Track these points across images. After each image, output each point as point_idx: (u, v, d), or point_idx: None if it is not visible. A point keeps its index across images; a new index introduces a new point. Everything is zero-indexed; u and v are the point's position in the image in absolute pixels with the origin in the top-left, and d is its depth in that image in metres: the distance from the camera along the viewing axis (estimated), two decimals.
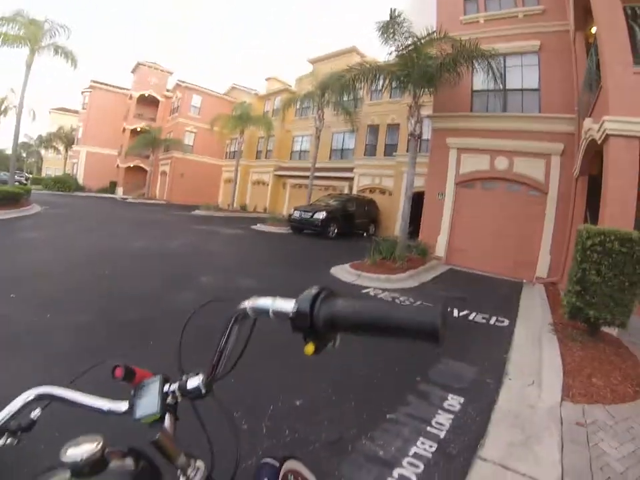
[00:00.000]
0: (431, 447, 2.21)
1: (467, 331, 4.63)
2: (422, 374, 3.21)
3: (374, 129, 19.17)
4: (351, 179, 19.03)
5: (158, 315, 4.06)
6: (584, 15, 7.45)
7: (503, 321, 5.11)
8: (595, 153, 6.17)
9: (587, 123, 6.20)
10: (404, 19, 8.83)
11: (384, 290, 6.40)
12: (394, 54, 9.63)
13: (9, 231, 8.82)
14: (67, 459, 0.52)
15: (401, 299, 5.92)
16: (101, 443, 0.54)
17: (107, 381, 0.65)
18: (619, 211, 4.81)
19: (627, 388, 3.21)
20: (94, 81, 31.74)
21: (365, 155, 19.21)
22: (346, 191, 19.12)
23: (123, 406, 0.67)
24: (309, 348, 0.56)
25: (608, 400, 2.97)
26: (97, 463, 0.53)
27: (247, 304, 0.66)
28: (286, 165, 24.30)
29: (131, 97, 31.29)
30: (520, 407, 2.78)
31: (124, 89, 32.80)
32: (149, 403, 0.64)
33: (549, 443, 2.34)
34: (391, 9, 8.87)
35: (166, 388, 0.65)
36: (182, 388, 0.64)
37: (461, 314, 5.32)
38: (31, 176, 30.44)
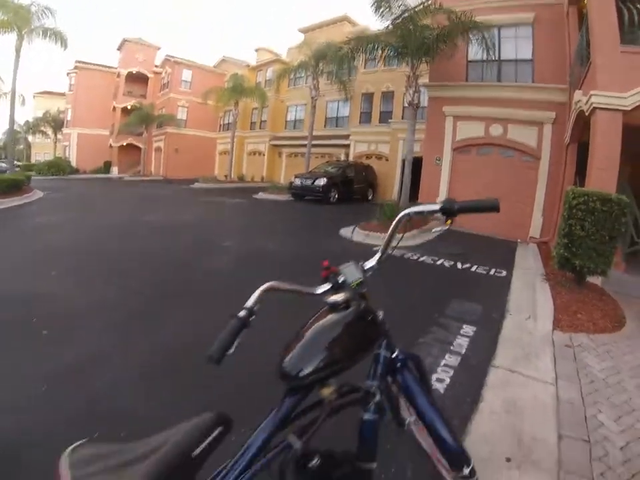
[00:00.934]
0: (456, 359, 2.95)
1: (471, 280, 5.41)
2: (439, 312, 3.95)
3: (368, 97, 19.28)
4: (347, 146, 19.22)
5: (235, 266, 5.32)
6: None
7: (501, 272, 5.80)
8: (584, 123, 6.51)
9: (577, 95, 6.52)
10: None
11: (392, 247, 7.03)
12: (390, 27, 9.84)
13: (21, 216, 8.99)
14: (330, 301, 1.07)
15: (409, 254, 6.53)
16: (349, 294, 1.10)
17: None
18: (603, 175, 5.29)
19: (607, 323, 3.87)
20: (78, 61, 30.72)
21: (360, 122, 19.35)
22: (342, 158, 19.30)
23: (323, 288, 1.13)
24: (448, 222, 1.20)
25: (591, 330, 3.66)
26: (343, 303, 1.08)
27: (409, 211, 1.16)
28: (281, 134, 24.34)
29: (119, 75, 30.49)
30: (520, 334, 3.51)
31: (111, 67, 31.87)
32: (353, 274, 1.14)
33: (544, 358, 3.05)
34: None
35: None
36: (365, 266, 1.19)
37: (464, 266, 6.06)
38: (20, 163, 29.74)
